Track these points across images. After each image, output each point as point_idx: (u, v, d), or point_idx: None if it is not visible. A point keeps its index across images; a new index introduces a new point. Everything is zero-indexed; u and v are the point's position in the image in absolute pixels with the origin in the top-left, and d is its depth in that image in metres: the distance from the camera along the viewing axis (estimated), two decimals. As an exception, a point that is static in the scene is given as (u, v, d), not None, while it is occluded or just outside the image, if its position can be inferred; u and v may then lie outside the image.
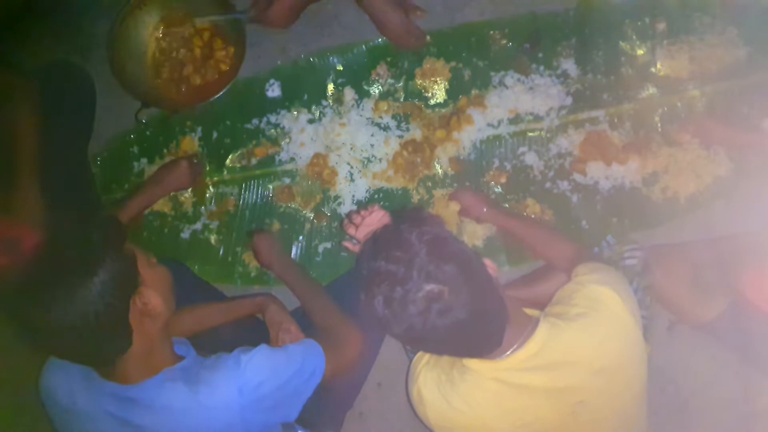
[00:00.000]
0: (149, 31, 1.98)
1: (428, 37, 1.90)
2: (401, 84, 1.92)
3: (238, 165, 1.93)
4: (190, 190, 1.92)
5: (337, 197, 1.86)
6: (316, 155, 1.88)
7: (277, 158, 1.91)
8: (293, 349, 1.18)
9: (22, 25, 2.09)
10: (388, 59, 1.93)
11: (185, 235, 1.90)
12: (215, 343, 1.21)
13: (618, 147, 1.77)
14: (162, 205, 1.90)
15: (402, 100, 1.91)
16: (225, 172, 1.93)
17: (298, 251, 1.86)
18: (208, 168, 1.94)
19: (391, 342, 1.64)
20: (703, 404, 1.64)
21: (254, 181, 1.92)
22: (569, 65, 1.86)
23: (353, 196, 1.86)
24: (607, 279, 1.12)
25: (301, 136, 1.91)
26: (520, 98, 1.85)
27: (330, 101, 1.93)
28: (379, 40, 1.94)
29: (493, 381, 1.03)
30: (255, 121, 1.95)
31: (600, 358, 1.03)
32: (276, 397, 1.09)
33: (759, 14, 1.80)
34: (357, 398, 1.65)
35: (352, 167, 1.87)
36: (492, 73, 1.89)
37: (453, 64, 1.91)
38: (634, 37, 1.86)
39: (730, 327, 1.40)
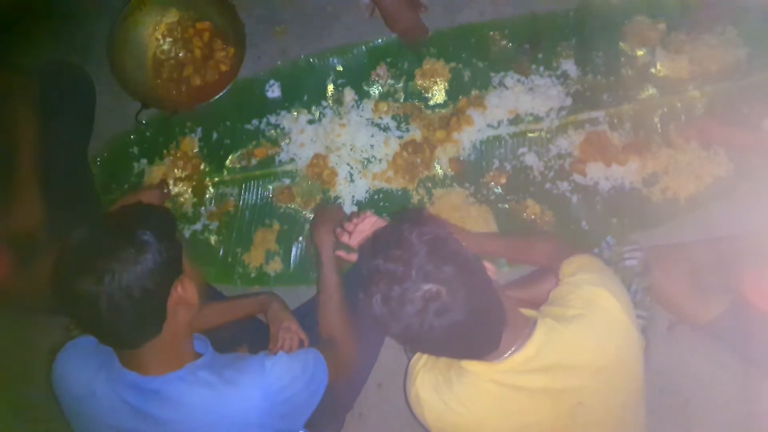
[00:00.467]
0: (149, 32, 1.98)
1: (430, 32, 1.90)
2: (401, 84, 1.92)
3: (238, 165, 1.93)
4: (189, 190, 1.92)
5: (337, 198, 1.86)
6: (316, 156, 1.88)
7: (277, 159, 1.91)
8: (305, 356, 1.18)
9: (22, 25, 2.09)
10: (388, 60, 1.93)
11: (185, 235, 1.90)
12: (215, 341, 1.20)
13: (618, 148, 1.77)
14: (162, 206, 1.91)
15: (402, 100, 1.91)
16: (225, 173, 1.93)
17: (298, 251, 1.86)
18: (208, 168, 1.94)
19: (392, 343, 1.64)
20: (703, 404, 1.63)
21: (254, 182, 1.92)
22: (569, 66, 1.86)
23: (353, 196, 1.86)
24: (600, 279, 1.12)
25: (300, 137, 1.91)
26: (520, 99, 1.85)
27: (330, 102, 1.93)
28: (379, 40, 1.94)
29: (491, 383, 1.03)
30: (255, 121, 1.95)
31: (598, 359, 1.03)
32: (292, 403, 1.10)
33: (759, 14, 1.80)
34: (357, 399, 1.65)
35: (352, 168, 1.87)
36: (492, 74, 1.89)
37: (453, 64, 1.91)
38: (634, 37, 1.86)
39: (730, 327, 1.40)
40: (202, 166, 1.94)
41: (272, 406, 1.06)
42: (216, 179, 1.93)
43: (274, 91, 1.96)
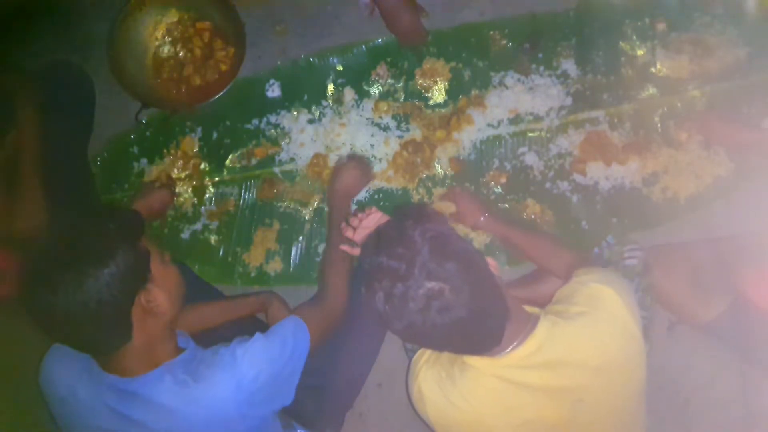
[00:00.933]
0: (149, 32, 1.98)
1: (429, 36, 1.90)
2: (401, 84, 1.92)
3: (238, 165, 1.93)
4: (189, 189, 1.92)
5: (337, 197, 1.86)
6: (316, 155, 1.88)
7: (277, 158, 1.91)
8: (283, 331, 1.19)
9: (22, 25, 2.09)
10: (388, 59, 1.93)
11: (185, 235, 1.90)
12: (215, 339, 1.20)
13: (618, 147, 1.77)
14: (162, 206, 1.90)
15: (402, 100, 1.91)
16: (225, 172, 1.93)
17: (298, 251, 1.86)
18: (208, 168, 1.94)
19: (392, 343, 1.64)
20: (703, 404, 1.64)
21: (254, 182, 1.92)
22: (569, 65, 1.86)
23: (353, 196, 1.85)
24: (607, 278, 1.12)
25: (301, 137, 1.91)
26: (520, 98, 1.85)
27: (330, 101, 1.93)
28: (379, 40, 1.94)
29: (493, 378, 1.03)
30: (255, 121, 1.95)
31: (600, 356, 1.03)
32: (273, 385, 1.11)
33: (759, 14, 1.80)
34: (357, 398, 1.65)
35: (352, 167, 1.87)
36: (492, 74, 1.89)
37: (453, 64, 1.91)
38: (634, 37, 1.86)
39: (730, 327, 1.40)
40: (202, 166, 1.94)
41: (249, 395, 1.06)
42: (216, 179, 1.93)
43: (274, 91, 1.96)
